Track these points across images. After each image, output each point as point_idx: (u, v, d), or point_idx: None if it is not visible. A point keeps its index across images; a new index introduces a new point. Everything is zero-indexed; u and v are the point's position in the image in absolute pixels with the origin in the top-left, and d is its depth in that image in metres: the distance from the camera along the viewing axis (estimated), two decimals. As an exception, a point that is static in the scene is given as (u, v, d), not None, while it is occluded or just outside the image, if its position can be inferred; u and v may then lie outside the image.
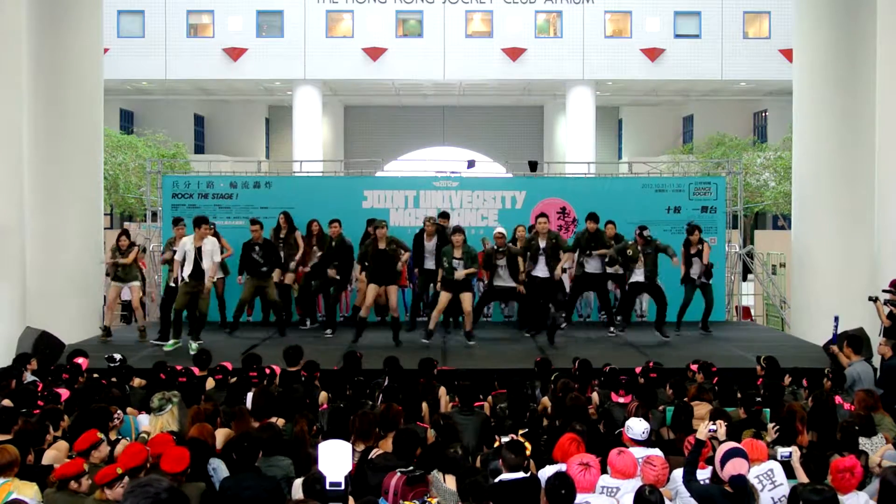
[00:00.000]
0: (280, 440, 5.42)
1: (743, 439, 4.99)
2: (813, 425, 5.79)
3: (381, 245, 10.39)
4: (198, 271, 9.97)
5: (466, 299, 10.42)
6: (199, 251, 9.97)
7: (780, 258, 17.26)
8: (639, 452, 5.06)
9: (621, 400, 6.74)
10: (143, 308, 11.71)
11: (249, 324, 12.65)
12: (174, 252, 10.44)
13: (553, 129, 32.51)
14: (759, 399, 6.54)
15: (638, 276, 10.91)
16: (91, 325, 12.25)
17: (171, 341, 10.17)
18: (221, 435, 5.70)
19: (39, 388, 6.90)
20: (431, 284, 11.30)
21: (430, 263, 11.19)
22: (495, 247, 10.73)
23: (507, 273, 10.60)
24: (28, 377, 7.86)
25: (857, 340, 8.43)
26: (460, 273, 10.22)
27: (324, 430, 6.00)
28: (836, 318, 9.17)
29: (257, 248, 11.25)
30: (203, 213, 12.94)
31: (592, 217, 11.23)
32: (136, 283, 11.02)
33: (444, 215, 12.12)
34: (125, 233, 11.39)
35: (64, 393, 6.77)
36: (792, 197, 13.51)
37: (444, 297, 10.43)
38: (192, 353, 9.45)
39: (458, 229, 10.60)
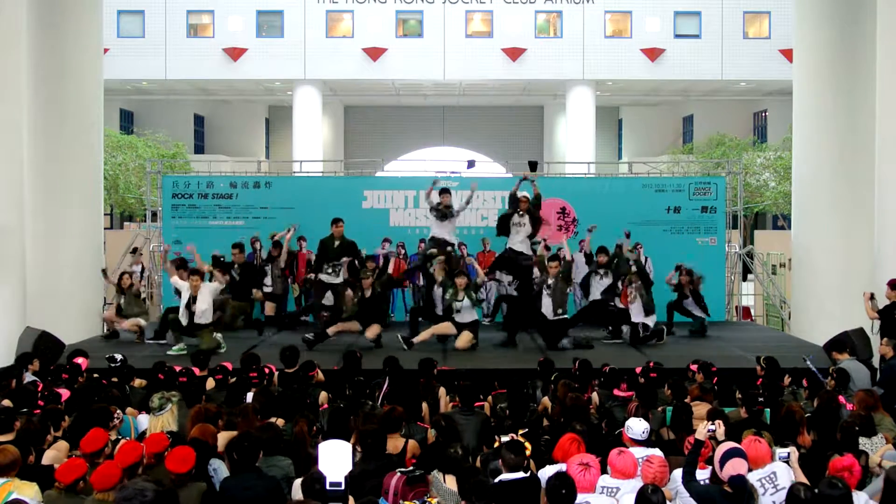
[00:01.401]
0: (280, 440, 5.42)
1: (744, 439, 4.97)
2: (814, 425, 5.79)
3: (367, 294, 10.29)
4: (192, 321, 9.88)
5: (464, 338, 10.15)
6: (192, 298, 9.86)
7: (780, 258, 17.27)
8: (639, 452, 5.05)
9: (623, 395, 6.71)
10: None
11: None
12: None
13: (553, 129, 32.51)
14: (761, 399, 6.54)
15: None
16: (91, 325, 12.25)
17: (176, 346, 10.12)
18: (223, 436, 5.68)
19: (39, 388, 6.89)
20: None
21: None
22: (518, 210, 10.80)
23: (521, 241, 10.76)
24: (28, 377, 7.85)
25: (838, 344, 8.52)
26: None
27: (324, 430, 6.00)
28: (807, 359, 8.53)
29: (237, 266, 11.45)
30: (203, 213, 12.99)
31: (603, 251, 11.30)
32: (141, 321, 10.87)
33: (446, 191, 11.61)
34: (129, 273, 11.32)
35: (64, 393, 6.77)
36: (792, 197, 13.52)
37: (447, 326, 10.22)
38: (174, 353, 9.68)
39: (460, 272, 10.36)
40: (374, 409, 6.36)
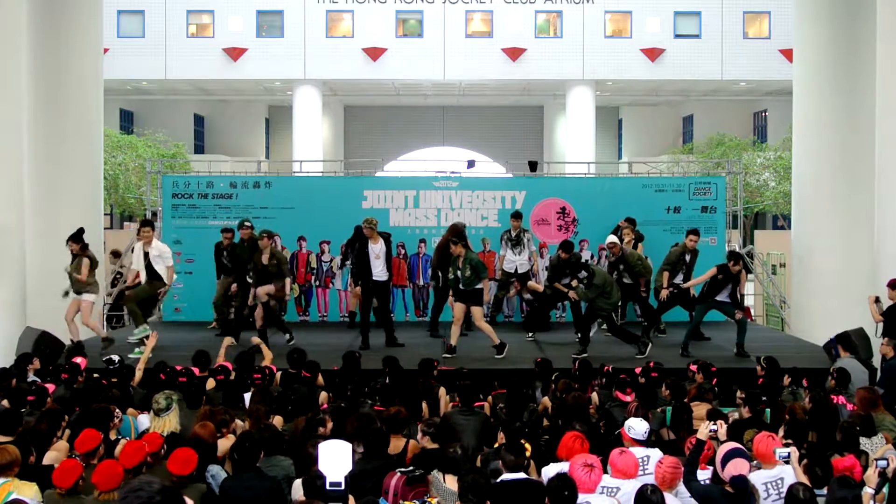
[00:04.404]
0: (280, 440, 5.42)
1: (756, 435, 4.92)
2: (813, 425, 5.77)
3: (264, 259, 10.19)
4: (152, 273, 9.68)
5: (476, 312, 9.90)
6: (146, 255, 9.65)
7: (780, 258, 17.25)
8: (639, 452, 5.05)
9: (627, 399, 6.70)
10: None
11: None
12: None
13: (553, 129, 32.52)
14: (764, 399, 6.53)
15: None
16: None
17: (137, 329, 9.82)
18: (227, 442, 5.64)
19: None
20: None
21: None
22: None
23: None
24: (30, 377, 7.84)
25: (847, 340, 8.52)
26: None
27: (324, 430, 5.99)
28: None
29: (225, 252, 11.37)
30: (203, 213, 12.98)
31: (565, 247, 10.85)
32: (89, 297, 9.86)
33: (517, 215, 11.67)
34: (75, 236, 9.93)
35: (50, 387, 6.78)
36: (792, 197, 13.51)
37: (459, 308, 10.00)
38: (137, 336, 9.67)
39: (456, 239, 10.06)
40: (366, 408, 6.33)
